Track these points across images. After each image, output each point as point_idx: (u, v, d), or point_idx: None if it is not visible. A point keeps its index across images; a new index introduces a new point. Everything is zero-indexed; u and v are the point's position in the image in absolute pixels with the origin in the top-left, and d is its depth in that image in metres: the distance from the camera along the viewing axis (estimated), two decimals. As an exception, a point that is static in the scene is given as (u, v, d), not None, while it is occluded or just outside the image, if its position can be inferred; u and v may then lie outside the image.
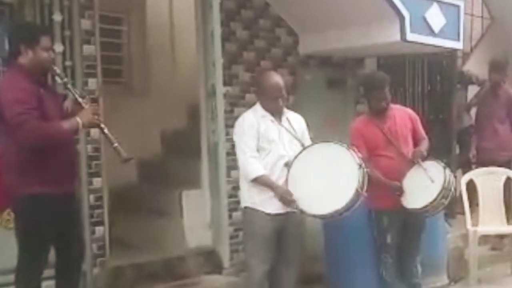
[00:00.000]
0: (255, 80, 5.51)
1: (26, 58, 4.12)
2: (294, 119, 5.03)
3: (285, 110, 5.00)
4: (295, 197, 4.71)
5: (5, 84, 4.13)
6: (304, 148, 4.85)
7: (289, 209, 4.81)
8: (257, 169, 4.78)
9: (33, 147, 3.98)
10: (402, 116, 5.38)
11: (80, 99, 4.28)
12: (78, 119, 4.13)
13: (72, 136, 4.36)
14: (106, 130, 4.25)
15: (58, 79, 4.43)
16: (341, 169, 4.66)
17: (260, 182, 4.79)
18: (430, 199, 4.98)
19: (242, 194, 5.02)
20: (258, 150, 4.81)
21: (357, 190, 4.56)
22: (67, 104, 4.46)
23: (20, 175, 4.06)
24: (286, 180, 4.76)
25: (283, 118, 4.94)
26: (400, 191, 5.09)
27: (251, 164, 4.79)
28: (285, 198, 4.73)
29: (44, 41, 4.18)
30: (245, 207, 4.94)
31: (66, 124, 4.11)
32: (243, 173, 4.87)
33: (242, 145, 4.84)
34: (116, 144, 4.20)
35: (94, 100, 5.11)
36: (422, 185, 5.03)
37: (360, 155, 4.72)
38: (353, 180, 4.58)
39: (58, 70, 4.45)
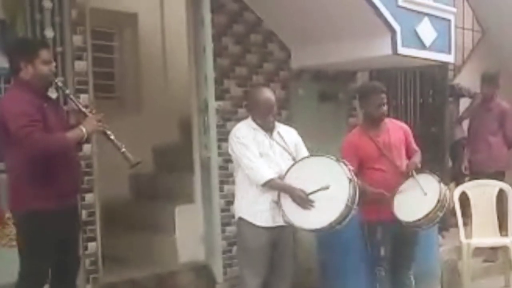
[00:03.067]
0: (247, 95, 5.49)
1: (27, 73, 4.12)
2: (286, 133, 5.00)
3: (277, 124, 4.97)
4: (286, 212, 4.67)
5: (9, 99, 4.16)
6: (296, 162, 4.83)
7: (280, 223, 4.78)
8: (267, 173, 4.71)
9: (38, 158, 3.99)
10: (396, 129, 5.36)
11: (83, 108, 4.31)
12: (82, 127, 4.16)
13: (75, 145, 4.37)
14: (112, 136, 4.26)
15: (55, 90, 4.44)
16: (332, 183, 4.63)
17: (271, 185, 4.72)
18: (425, 212, 4.92)
19: (236, 205, 4.97)
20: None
21: (347, 205, 4.53)
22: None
23: (24, 189, 4.07)
24: (278, 194, 4.73)
25: (275, 133, 4.91)
26: (383, 197, 5.04)
27: (260, 167, 4.70)
28: (300, 198, 4.65)
29: (43, 54, 4.18)
30: (239, 218, 4.89)
31: (71, 134, 4.13)
32: (253, 178, 4.73)
33: (243, 151, 4.74)
34: (123, 150, 4.23)
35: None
36: (417, 198, 4.99)
37: (351, 167, 4.72)
38: (343, 194, 4.56)
39: (60, 82, 4.48)
